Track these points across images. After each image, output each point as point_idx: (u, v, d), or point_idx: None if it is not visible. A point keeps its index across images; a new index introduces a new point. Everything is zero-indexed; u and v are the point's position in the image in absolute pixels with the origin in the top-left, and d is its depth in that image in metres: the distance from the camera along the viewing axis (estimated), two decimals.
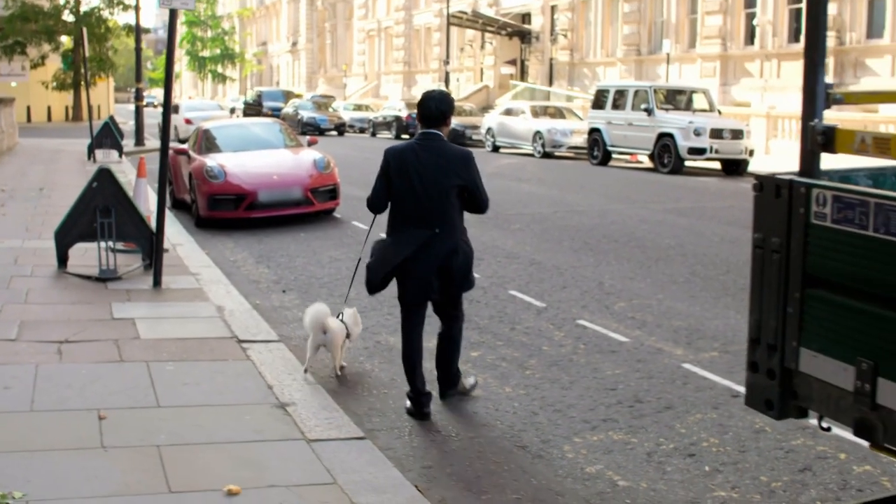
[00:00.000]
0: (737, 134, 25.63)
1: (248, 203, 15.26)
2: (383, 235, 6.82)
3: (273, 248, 13.26)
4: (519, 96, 47.06)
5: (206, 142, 17.06)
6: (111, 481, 4.91)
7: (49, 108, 56.70)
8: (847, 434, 4.82)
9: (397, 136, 43.11)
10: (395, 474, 5.25)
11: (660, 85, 30.78)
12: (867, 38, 33.04)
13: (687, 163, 25.65)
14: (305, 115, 46.72)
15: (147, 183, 12.64)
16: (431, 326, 7.08)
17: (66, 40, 53.08)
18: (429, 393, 6.64)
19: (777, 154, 29.00)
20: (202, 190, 15.37)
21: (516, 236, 13.94)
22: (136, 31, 33.78)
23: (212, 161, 15.70)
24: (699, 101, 27.83)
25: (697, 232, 14.42)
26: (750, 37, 38.35)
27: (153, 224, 10.30)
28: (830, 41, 32.90)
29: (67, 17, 51.76)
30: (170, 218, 14.08)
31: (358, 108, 54.42)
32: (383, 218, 6.81)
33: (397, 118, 43.85)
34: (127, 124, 42.50)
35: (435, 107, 6.58)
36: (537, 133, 31.50)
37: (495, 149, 33.83)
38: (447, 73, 53.98)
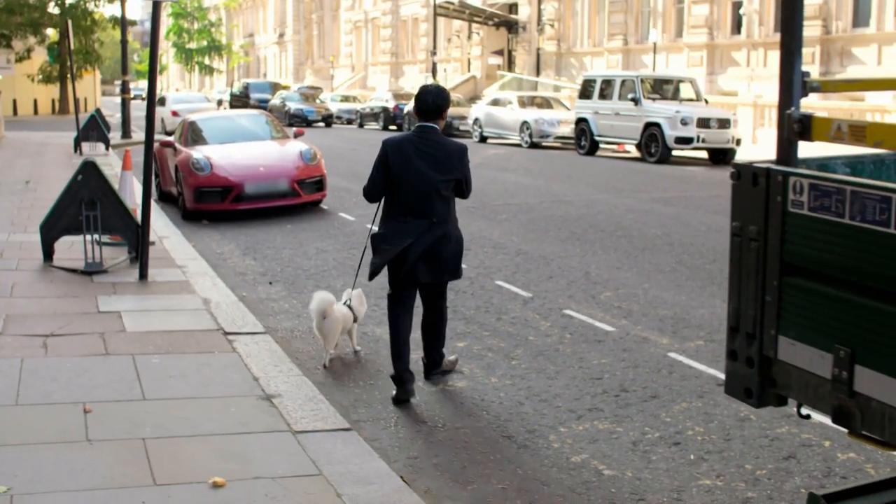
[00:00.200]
0: (724, 123, 25.65)
1: (234, 195, 15.24)
2: (370, 227, 6.85)
3: (260, 240, 13.25)
4: (506, 86, 47.02)
5: (193, 134, 17.01)
6: (96, 474, 4.91)
7: (35, 101, 56.50)
8: (831, 422, 4.84)
9: (385, 128, 43.06)
10: (381, 465, 5.26)
11: (647, 74, 30.80)
12: (853, 26, 33.10)
13: (674, 152, 25.68)
14: (293, 106, 46.60)
15: (133, 175, 12.61)
16: (417, 318, 7.18)
17: (51, 33, 52.85)
18: (412, 373, 6.80)
19: (764, 143, 29.04)
20: (188, 182, 15.34)
21: (503, 227, 13.95)
22: (122, 23, 33.61)
23: (198, 153, 15.67)
24: (686, 91, 27.85)
25: (684, 221, 14.45)
26: (737, 26, 38.39)
27: (139, 217, 10.28)
28: (816, 30, 32.98)
29: (53, 9, 51.55)
30: (156, 210, 14.06)
31: (345, 99, 54.28)
32: (371, 210, 6.82)
33: (385, 109, 43.79)
34: (114, 117, 42.38)
35: (432, 101, 6.74)
36: (524, 123, 31.50)
37: (483, 139, 33.82)
38: (434, 64, 53.90)
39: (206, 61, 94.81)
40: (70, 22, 30.76)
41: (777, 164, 3.42)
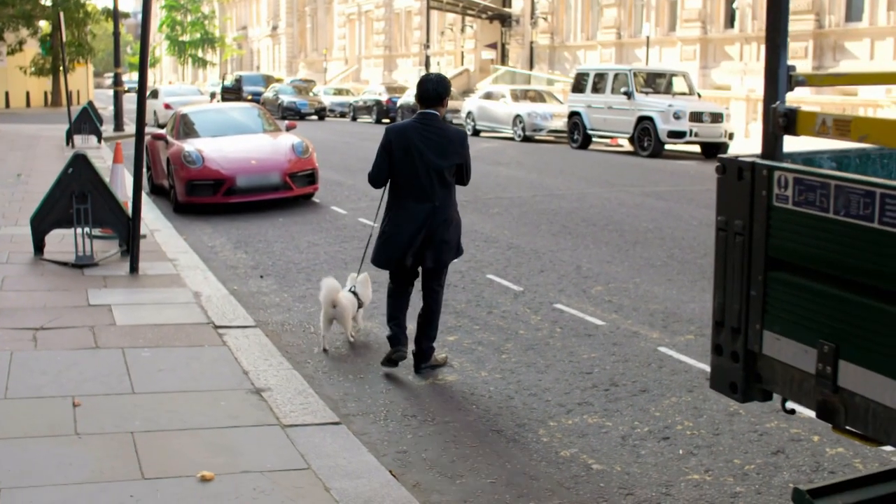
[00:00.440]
0: (716, 117, 25.68)
1: (226, 188, 15.22)
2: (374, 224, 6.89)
3: (251, 234, 13.24)
4: (499, 80, 47.03)
5: (184, 127, 16.99)
6: (84, 468, 4.90)
7: (28, 94, 56.38)
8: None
9: (378, 121, 43.04)
10: (370, 459, 5.26)
11: (639, 68, 30.80)
12: (846, 21, 33.14)
13: (667, 146, 25.73)
14: (286, 99, 46.57)
15: (124, 168, 12.56)
16: (413, 310, 7.30)
17: (44, 25, 52.71)
18: (406, 337, 7.20)
19: (756, 137, 28.91)
20: (180, 175, 15.32)
21: (495, 220, 13.95)
22: (115, 15, 33.49)
23: (189, 146, 15.64)
24: (679, 85, 27.88)
25: (675, 215, 14.46)
26: (730, 20, 38.42)
27: (130, 210, 10.26)
28: (809, 24, 33.02)
29: (45, 1, 51.39)
30: (148, 203, 14.06)
31: (338, 92, 54.25)
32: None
33: (378, 102, 43.81)
34: (106, 109, 42.30)
35: (432, 88, 7.04)
36: (517, 117, 31.51)
37: (476, 133, 33.81)
38: (427, 57, 53.84)
39: (200, 54, 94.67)
40: (62, 14, 30.62)
41: (762, 159, 3.42)
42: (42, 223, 10.36)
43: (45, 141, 28.04)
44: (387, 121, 41.38)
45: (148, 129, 12.76)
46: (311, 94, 50.25)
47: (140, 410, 5.79)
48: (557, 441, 5.83)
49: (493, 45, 55.02)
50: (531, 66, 50.07)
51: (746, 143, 27.94)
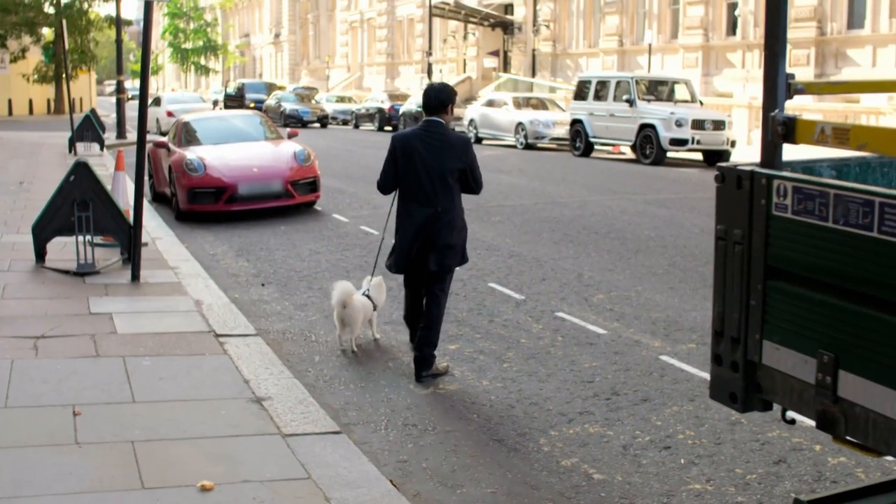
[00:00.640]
0: (718, 125, 25.66)
1: (228, 196, 15.23)
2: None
3: (253, 242, 13.24)
4: (502, 87, 47.02)
5: (186, 134, 17.01)
6: (84, 477, 4.90)
7: (31, 101, 56.34)
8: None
9: (380, 128, 43.06)
10: (370, 469, 5.24)
11: (642, 76, 30.79)
12: (848, 28, 33.11)
13: (669, 154, 25.72)
14: (288, 107, 46.60)
15: (126, 176, 12.59)
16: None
17: (47, 32, 52.73)
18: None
19: (759, 145, 29.03)
20: (182, 183, 15.33)
21: (496, 228, 13.95)
22: (117, 22, 33.55)
23: (191, 154, 15.65)
24: (681, 92, 27.87)
25: (677, 223, 14.46)
26: (732, 27, 38.40)
27: (132, 218, 10.26)
28: (811, 32, 33.01)
29: (48, 8, 51.41)
30: (150, 211, 14.07)
31: (341, 99, 54.31)
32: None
33: (380, 110, 43.81)
34: (109, 117, 42.32)
35: (434, 96, 7.30)
36: (520, 124, 31.51)
37: (478, 140, 33.76)
38: (430, 65, 53.91)
39: (202, 61, 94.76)
40: (65, 21, 30.68)
41: (761, 167, 3.41)
42: (44, 231, 10.37)
43: (48, 148, 28.06)
44: (389, 128, 41.40)
45: (150, 137, 12.77)
46: (313, 101, 50.27)
47: (140, 419, 5.78)
48: (558, 450, 5.82)
49: (495, 53, 55.03)
50: (533, 74, 50.08)
51: (749, 150, 27.91)
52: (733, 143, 25.99)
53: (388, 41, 69.17)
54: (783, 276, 3.28)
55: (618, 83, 27.55)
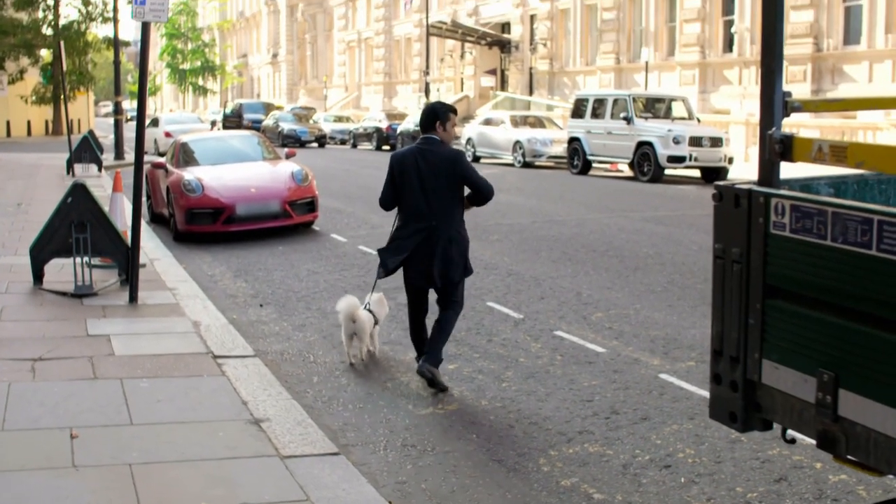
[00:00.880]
0: (716, 142, 25.69)
1: (225, 217, 15.23)
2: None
3: (251, 262, 13.22)
4: (499, 106, 47.10)
5: (184, 155, 17.02)
6: (81, 501, 4.87)
7: (29, 123, 56.41)
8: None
9: (378, 148, 43.10)
10: (369, 490, 5.22)
11: (639, 93, 30.84)
12: (844, 44, 33.21)
13: (666, 171, 25.72)
14: (286, 127, 46.70)
15: (124, 197, 12.58)
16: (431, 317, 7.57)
17: (45, 54, 52.83)
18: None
19: (757, 161, 29.07)
20: (180, 204, 15.33)
21: (494, 247, 13.94)
22: (115, 44, 33.65)
23: (189, 174, 15.66)
24: (678, 110, 27.92)
25: (676, 240, 14.45)
26: (728, 44, 38.51)
27: (129, 239, 10.25)
28: (808, 48, 33.10)
29: (46, 30, 51.53)
30: (148, 232, 14.06)
31: (339, 119, 54.39)
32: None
33: (378, 129, 43.87)
34: (107, 138, 42.33)
35: (425, 115, 7.60)
36: (517, 143, 31.54)
37: (476, 159, 33.78)
38: (427, 84, 54.00)
39: (200, 82, 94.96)
40: (63, 43, 30.73)
41: (759, 185, 3.40)
42: (41, 252, 10.35)
43: (46, 170, 28.08)
44: (387, 148, 41.45)
45: (148, 158, 12.76)
46: (311, 121, 50.41)
47: (138, 442, 5.75)
48: (558, 470, 5.79)
49: (492, 72, 55.18)
50: (531, 92, 50.19)
51: (746, 167, 27.91)
52: (731, 160, 26.01)
53: (385, 61, 69.34)
54: (782, 295, 3.27)
55: (615, 101, 27.60)
